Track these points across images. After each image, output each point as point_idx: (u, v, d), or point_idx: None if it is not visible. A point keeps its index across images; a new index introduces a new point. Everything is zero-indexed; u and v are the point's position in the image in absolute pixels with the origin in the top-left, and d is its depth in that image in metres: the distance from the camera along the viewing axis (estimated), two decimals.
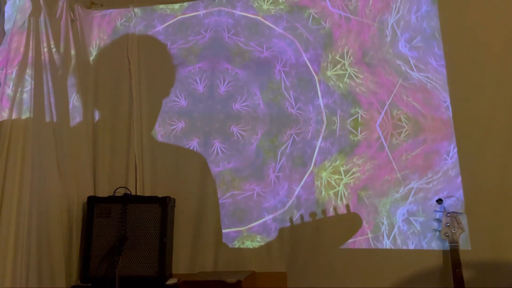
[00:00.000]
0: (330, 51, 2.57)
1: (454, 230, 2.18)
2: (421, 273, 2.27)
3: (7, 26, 2.20)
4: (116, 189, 2.42)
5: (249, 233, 2.48)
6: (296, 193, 2.47)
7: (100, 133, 2.63)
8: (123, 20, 2.79)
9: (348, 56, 2.55)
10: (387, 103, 2.47)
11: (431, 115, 2.43)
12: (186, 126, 2.63)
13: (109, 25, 2.81)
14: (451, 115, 2.41)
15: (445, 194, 2.29)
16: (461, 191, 2.31)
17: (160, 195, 2.34)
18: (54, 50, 2.36)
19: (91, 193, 2.43)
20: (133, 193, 2.47)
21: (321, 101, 2.54)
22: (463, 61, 2.43)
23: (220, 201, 2.51)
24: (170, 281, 2.24)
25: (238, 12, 2.70)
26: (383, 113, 2.46)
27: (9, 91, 2.09)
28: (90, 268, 2.22)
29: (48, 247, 2.10)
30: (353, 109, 2.52)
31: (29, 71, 2.15)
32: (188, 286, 2.14)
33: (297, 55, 2.61)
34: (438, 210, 2.26)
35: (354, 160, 2.45)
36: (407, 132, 2.42)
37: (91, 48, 2.76)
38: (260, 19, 2.66)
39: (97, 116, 2.65)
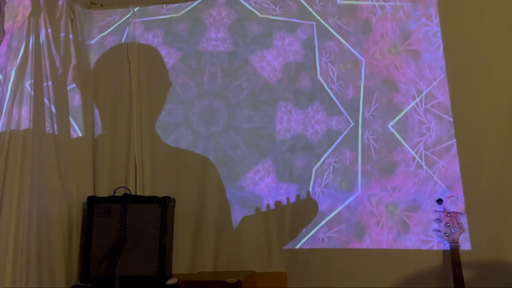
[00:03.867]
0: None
1: (454, 230, 2.18)
2: (421, 273, 2.27)
3: (7, 26, 2.20)
4: (116, 189, 2.42)
5: None
6: None
7: (100, 133, 2.63)
8: (123, 20, 2.79)
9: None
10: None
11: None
12: (186, 125, 2.64)
13: (109, 25, 2.81)
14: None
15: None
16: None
17: (160, 195, 2.34)
18: (54, 50, 2.36)
19: (91, 193, 2.43)
20: (133, 193, 2.47)
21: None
22: (463, 61, 2.43)
23: None
24: (170, 281, 2.24)
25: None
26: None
27: (9, 90, 2.09)
28: (90, 268, 2.22)
29: (48, 247, 2.10)
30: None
31: (29, 71, 2.15)
32: (188, 286, 2.14)
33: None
34: (438, 210, 2.26)
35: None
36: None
37: (91, 48, 2.76)
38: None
39: (97, 116, 2.65)
